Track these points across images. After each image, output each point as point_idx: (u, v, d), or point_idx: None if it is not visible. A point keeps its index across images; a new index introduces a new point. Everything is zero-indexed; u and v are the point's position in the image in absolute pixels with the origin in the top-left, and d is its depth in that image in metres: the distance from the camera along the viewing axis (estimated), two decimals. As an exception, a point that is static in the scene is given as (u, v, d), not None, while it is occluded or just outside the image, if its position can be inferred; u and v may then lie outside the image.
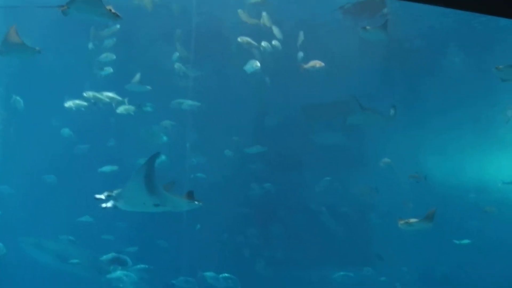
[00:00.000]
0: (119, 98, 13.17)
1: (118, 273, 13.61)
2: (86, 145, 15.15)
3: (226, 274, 14.29)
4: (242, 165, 15.80)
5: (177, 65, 14.10)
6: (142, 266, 13.73)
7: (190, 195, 8.85)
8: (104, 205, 8.60)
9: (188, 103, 13.86)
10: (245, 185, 16.17)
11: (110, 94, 13.08)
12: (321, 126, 15.99)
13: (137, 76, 13.57)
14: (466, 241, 16.57)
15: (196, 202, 8.89)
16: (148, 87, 13.46)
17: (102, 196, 8.56)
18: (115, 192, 8.61)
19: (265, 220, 16.62)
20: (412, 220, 10.22)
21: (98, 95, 12.91)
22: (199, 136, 15.43)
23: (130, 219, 14.23)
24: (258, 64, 12.19)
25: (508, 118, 14.22)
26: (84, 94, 12.87)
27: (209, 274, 14.28)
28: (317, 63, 12.48)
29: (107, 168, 13.91)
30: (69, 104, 13.11)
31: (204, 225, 15.86)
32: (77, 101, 13.07)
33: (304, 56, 12.96)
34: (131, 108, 13.22)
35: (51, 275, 15.60)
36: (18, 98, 14.38)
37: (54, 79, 14.93)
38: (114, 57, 13.22)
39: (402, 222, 10.32)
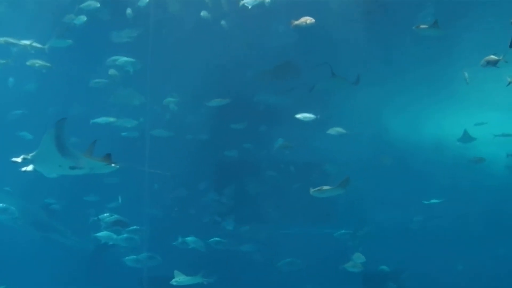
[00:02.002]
0: (38, 45, 12.76)
1: (106, 232, 13.64)
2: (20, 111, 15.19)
3: (216, 238, 14.55)
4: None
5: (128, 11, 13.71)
6: (134, 227, 13.81)
7: (108, 158, 8.91)
8: (24, 168, 8.63)
9: (123, 59, 13.59)
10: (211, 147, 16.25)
11: (27, 42, 12.64)
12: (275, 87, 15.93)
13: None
14: (435, 201, 17.00)
15: (113, 165, 8.95)
16: (70, 41, 13.01)
17: (19, 159, 8.54)
18: (30, 155, 8.60)
19: (232, 179, 16.78)
20: (325, 187, 10.23)
21: (11, 40, 12.49)
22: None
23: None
24: None
25: (466, 79, 14.42)
26: None
27: (190, 238, 14.37)
28: (307, 19, 11.92)
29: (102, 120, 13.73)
30: None
31: (163, 184, 15.92)
32: None
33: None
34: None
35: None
36: None
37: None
38: (98, 5, 12.69)
39: (313, 190, 10.35)
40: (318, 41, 14.11)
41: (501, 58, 12.74)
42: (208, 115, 16.39)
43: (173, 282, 11.47)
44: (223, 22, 13.71)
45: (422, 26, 10.69)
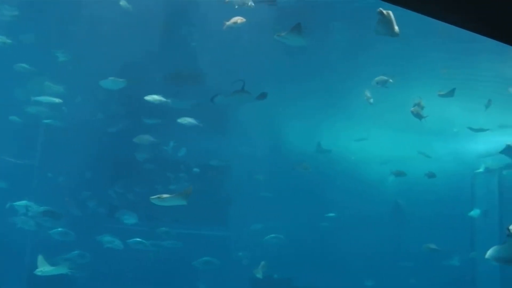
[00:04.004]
0: None
1: (21, 217, 13.61)
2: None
3: (138, 239, 14.53)
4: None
5: None
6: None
7: None
8: None
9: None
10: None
11: None
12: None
13: None
14: (331, 214, 17.51)
15: None
16: None
17: None
18: None
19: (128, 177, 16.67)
20: (165, 195, 10.45)
21: None
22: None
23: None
24: None
25: (369, 98, 14.89)
26: None
27: (106, 238, 14.41)
28: (238, 19, 12.04)
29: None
30: None
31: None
32: None
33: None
34: None
35: None
36: None
37: None
38: None
39: (154, 197, 10.54)
40: (222, 46, 14.30)
41: (389, 79, 13.48)
42: (116, 109, 16.29)
43: (38, 272, 11.23)
44: (122, 2, 13.38)
45: (281, 34, 11.04)
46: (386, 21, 8.44)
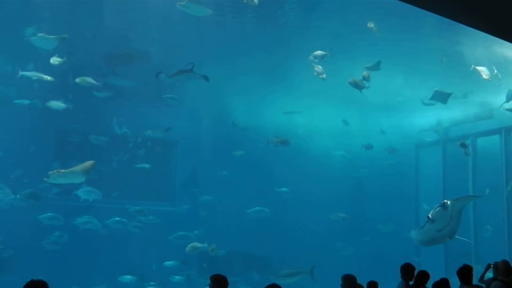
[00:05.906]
0: None
1: None
2: None
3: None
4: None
5: None
6: None
7: None
8: None
9: None
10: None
11: None
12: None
13: None
14: (284, 189, 17.68)
15: None
16: None
17: None
18: None
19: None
20: (63, 170, 10.52)
21: None
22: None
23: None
24: None
25: (321, 74, 14.83)
26: None
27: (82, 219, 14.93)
28: None
29: None
30: None
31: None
32: None
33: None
34: None
35: None
36: None
37: None
38: None
39: (52, 172, 10.60)
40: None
41: (327, 53, 13.55)
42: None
43: None
44: None
45: (181, 3, 11.08)
46: None
